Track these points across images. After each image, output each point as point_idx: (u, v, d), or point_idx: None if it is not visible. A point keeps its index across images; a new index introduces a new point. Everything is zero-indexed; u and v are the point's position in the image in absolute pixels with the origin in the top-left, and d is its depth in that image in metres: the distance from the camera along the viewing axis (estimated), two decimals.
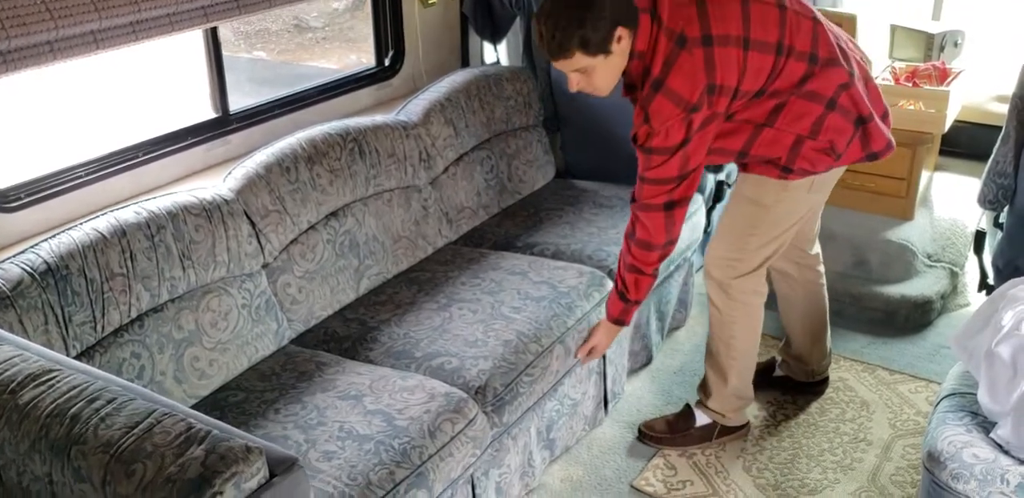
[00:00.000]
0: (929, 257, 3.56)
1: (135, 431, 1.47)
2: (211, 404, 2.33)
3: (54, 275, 2.11)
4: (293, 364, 2.47)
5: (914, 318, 3.44)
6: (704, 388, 2.83)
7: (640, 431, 2.90)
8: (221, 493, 1.37)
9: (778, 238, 2.59)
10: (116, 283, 2.22)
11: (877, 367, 3.22)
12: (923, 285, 3.48)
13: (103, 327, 2.19)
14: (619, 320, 2.63)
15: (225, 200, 2.48)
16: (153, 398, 1.62)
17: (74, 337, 2.15)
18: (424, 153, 3.06)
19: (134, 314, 2.26)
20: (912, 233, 3.58)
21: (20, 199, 2.43)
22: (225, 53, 2.89)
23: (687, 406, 2.90)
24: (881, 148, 2.47)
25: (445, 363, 2.46)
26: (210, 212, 2.43)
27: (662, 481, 2.76)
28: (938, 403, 2.23)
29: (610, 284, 2.83)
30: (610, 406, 3.01)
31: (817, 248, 2.90)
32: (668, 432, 2.87)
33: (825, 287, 2.94)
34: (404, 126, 3.02)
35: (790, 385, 3.09)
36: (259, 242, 2.58)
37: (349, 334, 2.63)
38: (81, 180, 2.53)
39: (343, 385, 2.35)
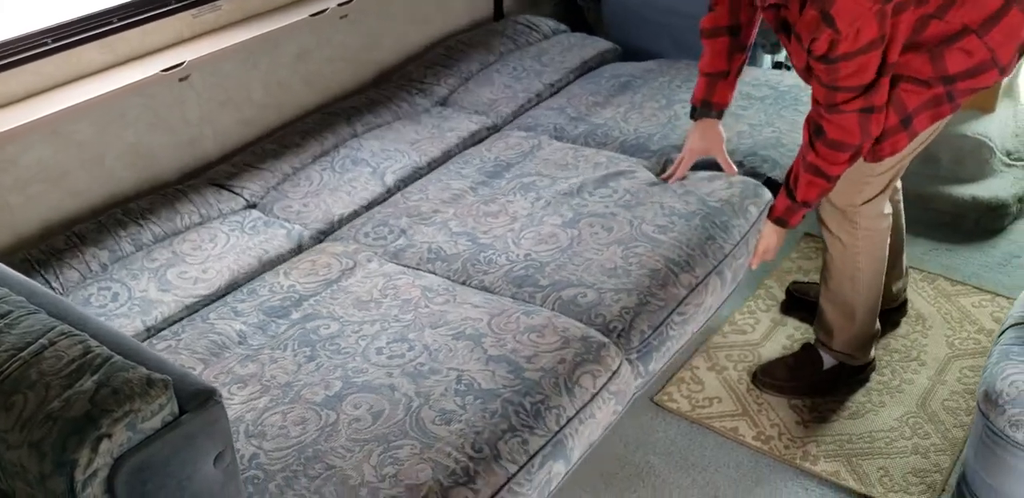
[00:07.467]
0: (1009, 155, 3.16)
1: (22, 354, 1.23)
2: (302, 340, 2.00)
3: None
4: (395, 289, 2.13)
5: (985, 223, 3.08)
6: (824, 329, 2.46)
7: (756, 377, 2.56)
8: (110, 435, 1.13)
9: (916, 149, 2.20)
10: (64, 254, 2.23)
11: (938, 276, 2.89)
12: (998, 186, 3.10)
13: (62, 284, 2.17)
14: (782, 219, 2.29)
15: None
16: (64, 310, 1.38)
17: None
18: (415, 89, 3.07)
19: (95, 268, 2.22)
20: (991, 127, 3.16)
21: None
22: None
23: (809, 347, 2.53)
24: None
25: (579, 296, 2.08)
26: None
27: (687, 397, 2.51)
28: (1003, 332, 1.91)
29: (767, 194, 2.46)
30: None
31: None
32: (791, 380, 2.52)
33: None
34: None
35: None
36: (233, 193, 2.53)
37: (458, 252, 2.27)
38: (44, 49, 2.24)
39: (455, 320, 2.00)
